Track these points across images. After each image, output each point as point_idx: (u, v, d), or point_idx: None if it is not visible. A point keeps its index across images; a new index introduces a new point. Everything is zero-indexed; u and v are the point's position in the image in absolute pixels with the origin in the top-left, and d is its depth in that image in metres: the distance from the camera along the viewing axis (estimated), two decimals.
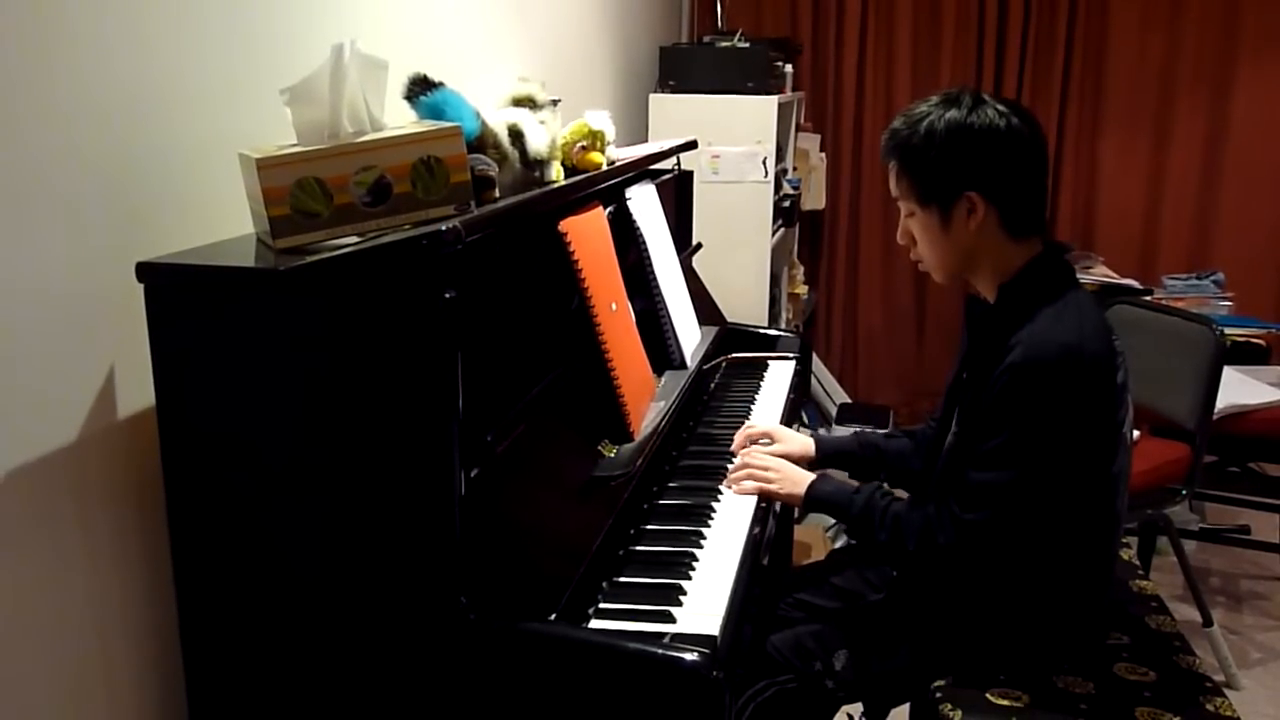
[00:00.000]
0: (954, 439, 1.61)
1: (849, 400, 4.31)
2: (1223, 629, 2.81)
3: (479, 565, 1.19)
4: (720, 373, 2.30)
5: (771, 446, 1.83)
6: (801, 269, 4.15)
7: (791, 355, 2.44)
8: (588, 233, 1.63)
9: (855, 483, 1.67)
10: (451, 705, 1.21)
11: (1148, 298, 3.38)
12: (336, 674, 1.25)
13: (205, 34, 1.36)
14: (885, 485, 1.66)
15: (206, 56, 1.37)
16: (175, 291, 1.20)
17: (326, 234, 1.24)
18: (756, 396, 2.18)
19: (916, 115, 1.54)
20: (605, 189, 1.79)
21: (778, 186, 3.44)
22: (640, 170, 2.08)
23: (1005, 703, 1.50)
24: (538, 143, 1.56)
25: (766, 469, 1.72)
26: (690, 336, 2.06)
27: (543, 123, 1.59)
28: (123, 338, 1.25)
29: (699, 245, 2.54)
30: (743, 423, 2.02)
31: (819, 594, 1.81)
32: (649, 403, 1.75)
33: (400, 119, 1.40)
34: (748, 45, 3.39)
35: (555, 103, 1.68)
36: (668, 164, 2.36)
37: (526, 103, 1.63)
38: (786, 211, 3.62)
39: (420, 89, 1.44)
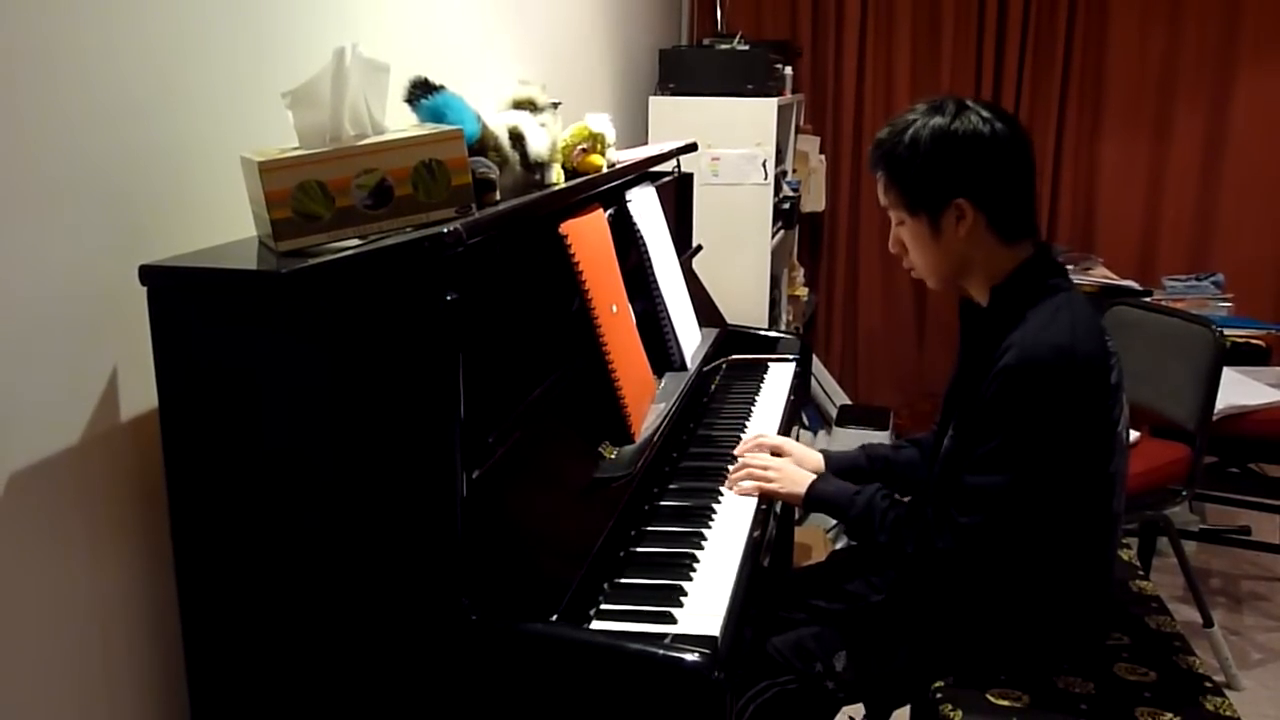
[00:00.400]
0: (951, 442, 1.61)
1: (849, 402, 4.31)
2: (1223, 630, 2.81)
3: (481, 566, 1.19)
4: (720, 374, 2.31)
5: (780, 460, 1.82)
6: (801, 271, 4.15)
7: (792, 357, 2.44)
8: (588, 235, 1.64)
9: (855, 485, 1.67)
10: (453, 705, 1.22)
11: (1148, 299, 3.38)
12: (338, 675, 1.26)
13: (208, 38, 1.37)
14: (885, 488, 1.66)
15: (209, 60, 1.37)
16: (178, 294, 1.20)
17: (328, 236, 1.24)
18: (757, 398, 2.19)
19: (901, 125, 1.54)
20: (606, 191, 1.80)
21: (777, 189, 3.44)
22: (640, 172, 2.08)
23: (1006, 703, 1.50)
24: (538, 145, 1.56)
25: (766, 468, 1.72)
26: (690, 338, 2.07)
27: (543, 125, 1.60)
28: (126, 340, 1.25)
29: (699, 247, 2.55)
30: (743, 425, 2.02)
31: (819, 595, 1.81)
32: (649, 404, 1.76)
33: (401, 122, 1.40)
34: (747, 48, 3.39)
35: (556, 105, 1.69)
36: (668, 166, 2.37)
37: (527, 105, 1.64)
38: (786, 213, 3.63)
39: (421, 92, 1.45)
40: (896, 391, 4.38)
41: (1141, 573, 1.90)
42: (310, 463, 1.22)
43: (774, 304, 3.54)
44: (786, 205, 3.61)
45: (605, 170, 1.78)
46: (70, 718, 1.23)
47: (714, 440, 1.94)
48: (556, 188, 1.60)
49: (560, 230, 1.55)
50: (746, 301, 3.31)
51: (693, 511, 1.64)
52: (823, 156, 4.16)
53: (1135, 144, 4.04)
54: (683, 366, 1.98)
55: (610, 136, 1.80)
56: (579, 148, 1.75)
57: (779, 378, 2.33)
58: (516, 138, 1.54)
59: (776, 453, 1.83)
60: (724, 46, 3.42)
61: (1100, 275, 3.68)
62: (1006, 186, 1.53)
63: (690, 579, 1.42)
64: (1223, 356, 2.58)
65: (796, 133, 3.91)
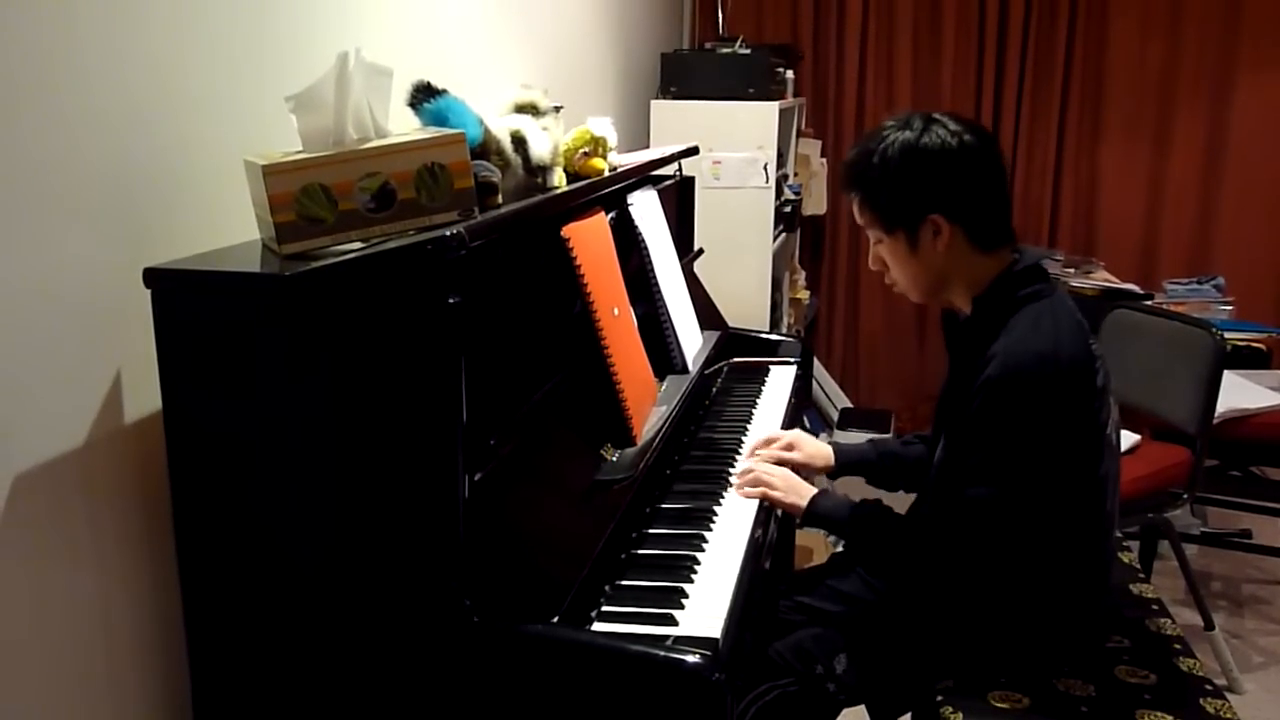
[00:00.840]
0: (943, 453, 1.61)
1: (850, 405, 4.31)
2: (1224, 633, 2.81)
3: (482, 568, 1.19)
4: (722, 377, 2.31)
5: (793, 454, 1.82)
6: (803, 274, 4.15)
7: (793, 360, 2.45)
8: (590, 238, 1.64)
9: (854, 500, 1.67)
10: (455, 706, 1.22)
11: (1148, 303, 3.38)
12: (340, 675, 1.26)
13: (212, 42, 1.38)
14: (883, 502, 1.67)
15: (213, 64, 1.38)
16: (182, 297, 1.21)
17: (331, 240, 1.25)
18: (758, 401, 2.19)
19: (869, 144, 1.55)
20: (607, 195, 1.80)
21: (779, 192, 3.45)
22: (642, 176, 2.09)
23: (1006, 705, 1.50)
24: (540, 149, 1.57)
25: (772, 475, 1.73)
26: (692, 341, 2.07)
27: (545, 129, 1.60)
28: (130, 342, 1.26)
29: (700, 250, 2.55)
30: (745, 427, 2.02)
31: (820, 597, 1.81)
32: (651, 407, 1.76)
33: (404, 126, 1.41)
34: (749, 51, 3.40)
35: (557, 109, 1.69)
36: (669, 170, 2.37)
37: (529, 109, 1.65)
38: (788, 217, 3.63)
39: (424, 96, 1.45)
40: (898, 394, 4.38)
41: (1142, 576, 1.91)
42: (313, 465, 1.22)
43: (775, 307, 3.55)
44: (788, 208, 3.62)
45: (607, 174, 1.78)
46: (75, 715, 1.24)
47: (715, 443, 1.95)
48: (558, 191, 1.61)
49: (562, 233, 1.56)
50: (748, 304, 3.32)
51: (694, 514, 1.64)
52: (824, 160, 4.16)
53: (1136, 147, 4.04)
54: (684, 369, 1.98)
55: (612, 140, 1.81)
56: (581, 151, 1.75)
57: (780, 381, 2.34)
58: (519, 141, 1.55)
59: (789, 447, 1.83)
60: (725, 50, 3.43)
61: (1101, 279, 3.68)
62: (980, 198, 1.52)
63: (691, 581, 1.42)
64: (1223, 360, 2.58)
65: (798, 136, 3.92)
